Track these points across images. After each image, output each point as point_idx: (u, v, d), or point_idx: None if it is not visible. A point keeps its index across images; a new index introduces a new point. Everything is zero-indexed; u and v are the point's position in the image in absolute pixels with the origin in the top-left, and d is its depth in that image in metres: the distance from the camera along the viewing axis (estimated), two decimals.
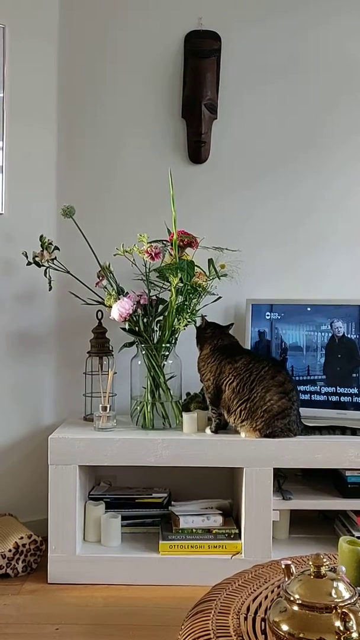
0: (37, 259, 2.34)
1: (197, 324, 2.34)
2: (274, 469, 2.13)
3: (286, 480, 2.29)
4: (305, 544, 2.24)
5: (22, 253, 2.34)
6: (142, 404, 2.33)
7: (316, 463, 2.14)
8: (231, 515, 2.29)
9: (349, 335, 2.39)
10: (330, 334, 2.41)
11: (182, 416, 2.29)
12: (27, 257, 2.34)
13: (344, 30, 2.60)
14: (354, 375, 2.37)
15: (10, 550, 2.16)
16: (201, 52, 2.53)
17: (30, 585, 2.12)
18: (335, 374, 2.40)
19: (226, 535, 2.18)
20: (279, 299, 2.49)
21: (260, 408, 2.14)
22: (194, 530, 2.19)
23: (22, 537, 2.19)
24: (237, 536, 2.18)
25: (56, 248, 2.36)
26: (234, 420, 2.19)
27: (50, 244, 2.35)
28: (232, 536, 2.18)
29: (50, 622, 1.87)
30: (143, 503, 2.36)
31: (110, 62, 2.59)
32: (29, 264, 2.34)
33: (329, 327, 2.40)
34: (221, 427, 2.25)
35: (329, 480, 2.32)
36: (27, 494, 2.47)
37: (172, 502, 2.33)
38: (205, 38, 2.54)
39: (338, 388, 2.38)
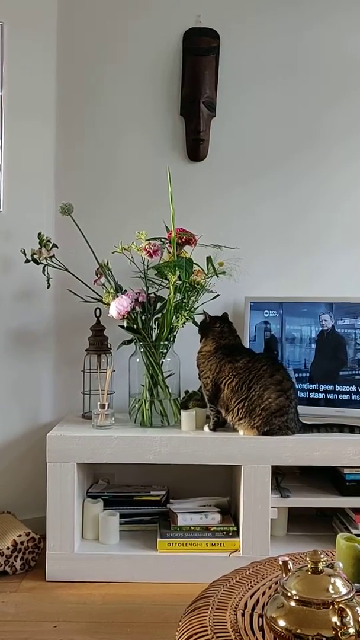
0: (35, 256, 2.34)
1: (202, 319, 2.33)
2: (272, 466, 2.13)
3: (284, 477, 2.29)
4: (304, 542, 2.24)
5: (21, 250, 2.34)
6: (141, 402, 2.33)
7: (314, 461, 2.14)
8: (229, 512, 2.29)
9: (339, 331, 2.39)
10: (320, 329, 2.41)
11: (180, 414, 2.29)
12: (25, 254, 2.34)
13: (342, 28, 2.60)
14: (342, 372, 2.38)
15: (8, 548, 2.16)
16: (200, 49, 2.53)
17: (28, 583, 2.12)
18: (323, 370, 2.40)
19: (224, 532, 2.18)
20: (278, 297, 2.48)
21: (259, 406, 2.14)
22: (192, 527, 2.19)
23: (20, 535, 2.19)
24: (235, 534, 2.18)
25: (54, 245, 2.36)
26: (232, 418, 2.19)
27: (49, 241, 2.35)
28: (230, 534, 2.18)
29: (49, 620, 1.87)
30: (141, 501, 2.36)
31: (109, 60, 2.59)
32: (27, 261, 2.34)
33: (326, 323, 2.41)
34: (219, 425, 2.25)
35: (327, 478, 2.32)
36: (26, 491, 2.47)
37: (171, 500, 2.33)
38: (204, 36, 2.54)
39: (336, 386, 2.38)
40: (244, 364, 2.20)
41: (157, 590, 2.07)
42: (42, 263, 2.34)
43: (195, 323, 2.35)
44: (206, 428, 2.26)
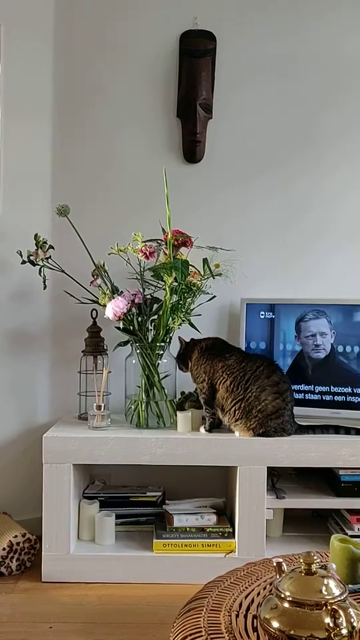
0: (31, 257, 2.34)
1: (178, 352, 2.34)
2: (267, 467, 2.14)
3: (280, 479, 2.29)
4: (299, 543, 2.25)
5: (17, 252, 2.34)
6: (137, 403, 2.33)
7: (310, 462, 2.15)
8: (225, 513, 2.30)
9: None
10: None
11: (176, 415, 2.29)
12: (21, 256, 2.34)
13: (338, 29, 2.61)
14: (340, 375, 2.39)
15: (4, 549, 2.16)
16: (196, 51, 2.53)
17: (24, 584, 2.12)
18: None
19: (220, 533, 2.19)
20: (274, 298, 2.49)
21: (255, 408, 2.15)
22: (187, 528, 2.20)
23: (16, 536, 2.19)
24: (231, 535, 2.18)
25: (51, 247, 2.36)
26: (229, 419, 2.20)
27: (45, 242, 2.35)
28: (225, 535, 2.19)
29: (44, 621, 1.88)
30: (137, 502, 2.37)
31: (106, 62, 2.59)
32: (23, 262, 2.34)
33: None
34: (215, 426, 2.26)
35: (323, 479, 2.33)
36: (22, 492, 2.47)
37: (166, 501, 2.33)
38: (201, 38, 2.54)
39: (332, 387, 2.39)
40: (236, 363, 2.20)
41: (152, 591, 2.07)
42: (38, 264, 2.34)
43: (192, 325, 2.36)
44: (202, 429, 2.26)
